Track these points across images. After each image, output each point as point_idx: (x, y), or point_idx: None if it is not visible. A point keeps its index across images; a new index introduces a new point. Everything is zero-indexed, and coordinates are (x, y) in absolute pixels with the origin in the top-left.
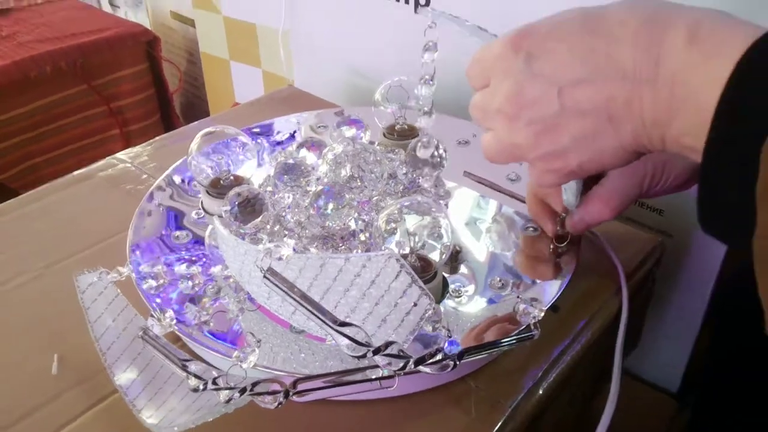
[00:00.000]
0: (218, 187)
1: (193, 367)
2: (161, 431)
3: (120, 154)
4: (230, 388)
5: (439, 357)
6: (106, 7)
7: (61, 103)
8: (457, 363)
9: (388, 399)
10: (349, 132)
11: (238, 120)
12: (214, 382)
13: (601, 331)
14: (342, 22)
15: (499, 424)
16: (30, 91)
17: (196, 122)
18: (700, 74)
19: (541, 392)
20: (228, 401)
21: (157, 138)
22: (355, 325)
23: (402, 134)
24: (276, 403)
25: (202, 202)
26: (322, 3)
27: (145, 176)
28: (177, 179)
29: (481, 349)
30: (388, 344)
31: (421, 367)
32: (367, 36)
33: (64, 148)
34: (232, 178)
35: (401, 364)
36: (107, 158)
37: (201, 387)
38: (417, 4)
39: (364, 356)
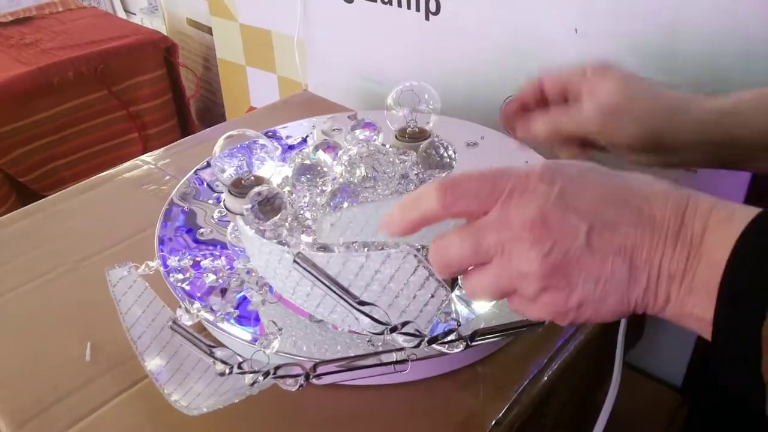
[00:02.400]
0: (240, 187)
1: (219, 353)
2: (191, 412)
3: (144, 156)
4: (254, 372)
5: (452, 337)
6: (122, 15)
7: (83, 107)
8: (470, 344)
9: (400, 384)
10: (363, 134)
11: (255, 124)
12: (240, 367)
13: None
14: (354, 29)
15: (505, 408)
16: (53, 96)
17: (215, 126)
18: (717, 238)
19: (545, 379)
20: (252, 384)
21: (178, 141)
22: (375, 305)
23: (413, 136)
24: (297, 386)
25: (224, 201)
26: (335, 11)
27: (167, 177)
28: (200, 180)
29: (493, 332)
30: (404, 323)
31: (435, 346)
32: (379, 43)
33: (84, 151)
34: (252, 178)
35: (416, 342)
36: (132, 160)
37: (227, 371)
38: (428, 11)
39: (382, 333)
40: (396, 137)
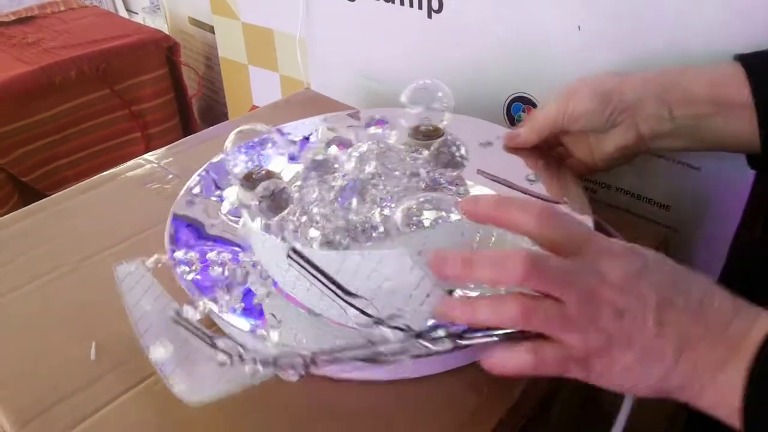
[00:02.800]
0: (251, 181)
1: (221, 343)
2: (192, 402)
3: (147, 155)
4: (254, 361)
5: (441, 333)
6: (123, 14)
7: (85, 106)
8: (458, 343)
9: (404, 381)
10: (376, 131)
11: (258, 122)
12: (240, 357)
13: None
14: (357, 27)
15: (510, 405)
16: (55, 95)
17: (218, 125)
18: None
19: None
20: (253, 375)
21: (181, 140)
22: (362, 297)
23: (427, 135)
24: (297, 376)
25: (237, 194)
26: (337, 9)
27: (170, 176)
28: (210, 174)
29: (481, 332)
30: (391, 316)
31: (422, 342)
32: (381, 41)
33: (87, 150)
34: (264, 172)
35: (403, 336)
36: (135, 159)
37: (228, 361)
38: (430, 9)
39: (368, 326)
40: (409, 135)
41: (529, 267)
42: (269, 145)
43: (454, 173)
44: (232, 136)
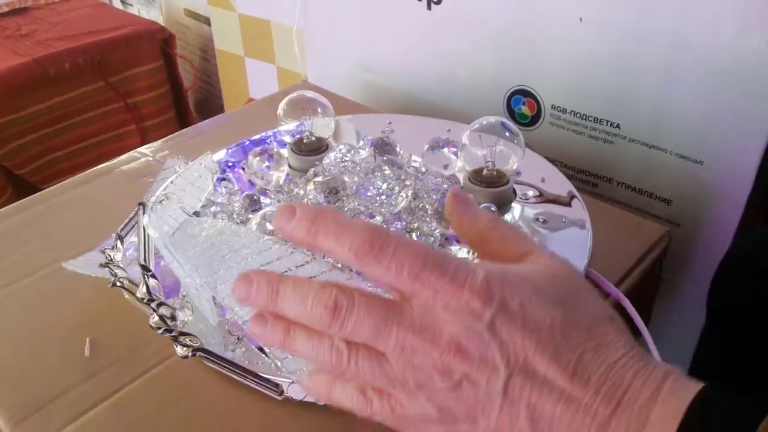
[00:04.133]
0: (301, 146)
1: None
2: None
3: (142, 149)
4: (163, 328)
5: (187, 345)
6: (118, 5)
7: (79, 99)
8: (195, 354)
9: None
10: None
11: (254, 115)
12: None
13: None
14: (355, 18)
15: None
16: (49, 87)
17: (213, 117)
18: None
19: None
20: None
21: (176, 133)
22: (166, 305)
23: (489, 181)
24: (183, 355)
25: (288, 161)
26: (334, 0)
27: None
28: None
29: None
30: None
31: (177, 349)
32: (380, 32)
33: (81, 143)
34: (314, 138)
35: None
36: (130, 152)
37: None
38: (430, 1)
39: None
40: (469, 179)
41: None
42: (318, 109)
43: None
44: (283, 103)
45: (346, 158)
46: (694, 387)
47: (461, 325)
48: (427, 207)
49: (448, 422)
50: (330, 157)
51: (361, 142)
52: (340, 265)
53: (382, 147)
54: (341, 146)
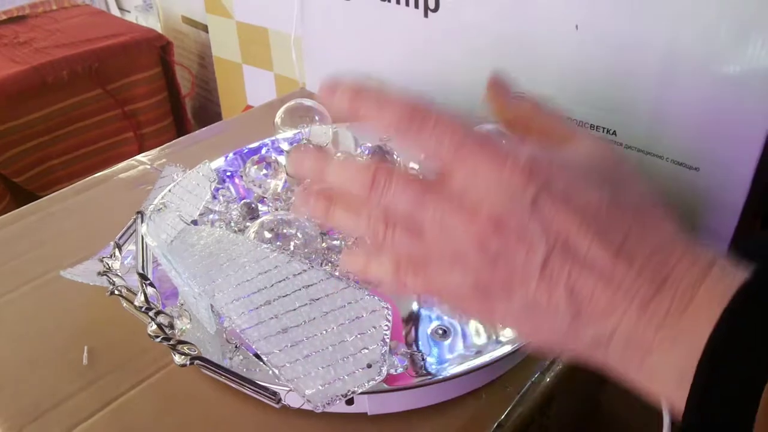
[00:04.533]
0: None
1: (161, 318)
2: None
3: (139, 157)
4: (161, 336)
5: (185, 353)
6: (116, 13)
7: (77, 106)
8: (193, 362)
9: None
10: None
11: (252, 122)
12: (160, 328)
13: None
14: (352, 26)
15: (508, 410)
16: (47, 95)
17: (211, 125)
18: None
19: (548, 381)
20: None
21: (174, 141)
22: (164, 313)
23: None
24: (181, 363)
25: (285, 168)
26: (332, 8)
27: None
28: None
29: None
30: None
31: (175, 357)
32: (377, 40)
33: (79, 150)
34: (311, 146)
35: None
36: (127, 160)
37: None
38: (427, 8)
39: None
40: None
41: (371, 179)
42: (316, 116)
43: None
44: (281, 111)
45: None
46: (743, 274)
47: (502, 199)
48: None
49: (483, 298)
50: None
51: (359, 150)
52: (338, 274)
53: (381, 154)
54: (339, 154)
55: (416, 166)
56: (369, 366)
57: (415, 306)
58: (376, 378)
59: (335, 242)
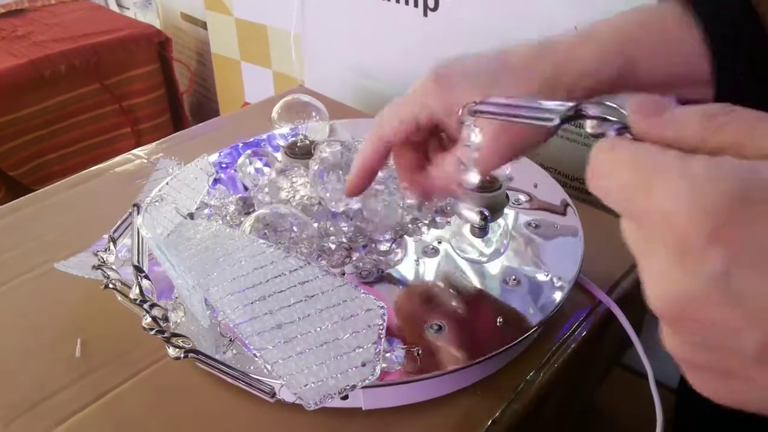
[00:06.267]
0: (295, 149)
1: (155, 311)
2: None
3: (136, 151)
4: (155, 329)
5: (180, 347)
6: (114, 9)
7: (75, 101)
8: (187, 356)
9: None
10: None
11: (249, 118)
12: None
13: (600, 323)
14: (352, 24)
15: (502, 407)
16: (44, 89)
17: (209, 120)
18: None
19: (542, 379)
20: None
21: (171, 135)
22: (159, 306)
23: (482, 186)
24: (175, 356)
25: (283, 161)
26: (332, 6)
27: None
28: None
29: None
30: (152, 305)
31: (169, 350)
32: (377, 38)
33: (76, 145)
34: (307, 141)
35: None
36: (123, 154)
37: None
38: (426, 7)
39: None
40: None
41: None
42: (312, 112)
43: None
44: (277, 107)
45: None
46: None
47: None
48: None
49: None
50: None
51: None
52: (334, 272)
53: None
54: (335, 142)
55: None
56: (363, 364)
57: (410, 302)
58: (370, 377)
59: (332, 238)
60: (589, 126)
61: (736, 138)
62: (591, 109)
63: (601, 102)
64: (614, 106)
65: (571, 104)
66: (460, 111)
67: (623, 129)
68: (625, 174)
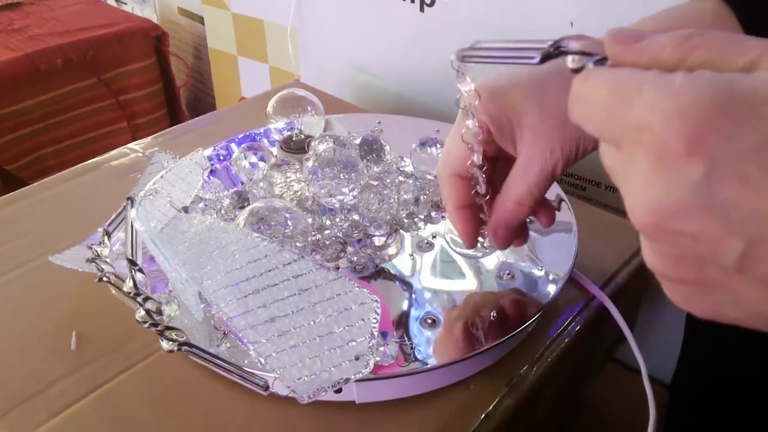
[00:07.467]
0: (291, 144)
1: (149, 304)
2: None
3: (132, 144)
4: (148, 322)
5: (173, 340)
6: (112, 3)
7: (71, 95)
8: (181, 349)
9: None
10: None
11: (246, 113)
12: (148, 314)
13: (594, 318)
14: (349, 19)
15: (496, 401)
16: (41, 83)
17: (205, 115)
18: None
19: (536, 373)
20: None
21: (167, 129)
22: (152, 299)
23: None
24: (168, 349)
25: (278, 155)
26: (330, 1)
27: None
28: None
29: (203, 353)
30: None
31: (163, 343)
32: (373, 34)
33: (72, 139)
34: (303, 136)
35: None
36: (119, 148)
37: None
38: (423, 3)
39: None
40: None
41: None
42: (308, 107)
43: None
44: (273, 101)
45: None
46: None
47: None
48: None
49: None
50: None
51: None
52: (328, 266)
53: (370, 145)
54: (329, 137)
55: (408, 160)
56: (356, 358)
57: (404, 295)
58: (363, 371)
59: (326, 232)
60: (570, 61)
61: (711, 55)
62: (571, 44)
63: (581, 36)
64: (594, 39)
65: (551, 41)
66: (452, 58)
67: (603, 60)
68: (604, 94)
